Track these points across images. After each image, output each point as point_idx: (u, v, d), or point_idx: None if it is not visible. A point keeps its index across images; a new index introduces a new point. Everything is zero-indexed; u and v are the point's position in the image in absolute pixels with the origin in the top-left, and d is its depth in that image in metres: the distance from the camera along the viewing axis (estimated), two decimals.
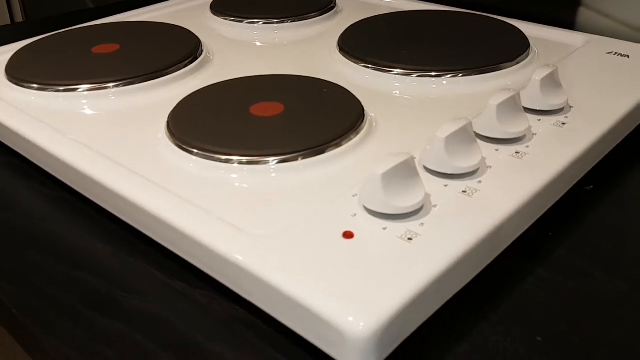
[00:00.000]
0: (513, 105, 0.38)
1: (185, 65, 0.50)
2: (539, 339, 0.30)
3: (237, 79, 0.48)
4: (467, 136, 0.35)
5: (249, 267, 0.29)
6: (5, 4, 0.81)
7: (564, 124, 0.41)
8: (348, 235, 0.31)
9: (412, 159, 0.32)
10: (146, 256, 0.36)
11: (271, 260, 0.29)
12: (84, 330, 0.31)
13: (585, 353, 0.29)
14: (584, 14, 0.59)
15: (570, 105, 0.43)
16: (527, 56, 0.51)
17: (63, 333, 0.31)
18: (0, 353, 0.39)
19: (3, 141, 0.46)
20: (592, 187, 0.42)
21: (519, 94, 0.39)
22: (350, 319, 0.26)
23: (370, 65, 0.50)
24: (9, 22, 0.56)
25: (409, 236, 0.31)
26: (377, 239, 0.31)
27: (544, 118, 0.42)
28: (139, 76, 0.48)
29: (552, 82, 0.42)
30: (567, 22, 0.61)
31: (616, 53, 0.52)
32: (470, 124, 0.35)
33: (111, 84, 0.47)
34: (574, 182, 0.39)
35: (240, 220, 0.33)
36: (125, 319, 0.32)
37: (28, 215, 0.40)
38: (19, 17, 0.83)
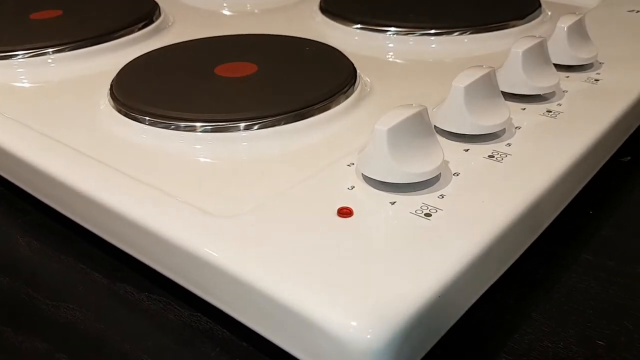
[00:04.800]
0: (540, 55, 0.31)
1: (138, 30, 0.42)
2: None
3: (198, 39, 0.40)
4: (490, 88, 0.28)
5: (214, 260, 0.22)
6: None
7: (596, 80, 0.34)
8: (344, 212, 0.23)
9: (426, 111, 0.25)
10: (82, 254, 0.28)
11: (242, 249, 0.22)
12: None
13: None
14: None
15: (600, 61, 0.36)
16: (538, 15, 0.44)
17: None
18: None
19: None
20: (629, 158, 0.35)
21: (545, 40, 0.32)
22: (354, 323, 0.18)
23: (359, 25, 0.42)
24: None
25: (427, 211, 0.23)
26: (383, 215, 0.23)
27: (572, 75, 0.34)
28: (82, 40, 0.40)
29: (579, 31, 0.35)
30: None
31: (638, 11, 0.45)
32: (493, 72, 0.28)
33: (50, 50, 0.39)
34: (614, 150, 0.32)
35: (203, 201, 0.25)
36: (48, 336, 0.23)
37: None
38: None
